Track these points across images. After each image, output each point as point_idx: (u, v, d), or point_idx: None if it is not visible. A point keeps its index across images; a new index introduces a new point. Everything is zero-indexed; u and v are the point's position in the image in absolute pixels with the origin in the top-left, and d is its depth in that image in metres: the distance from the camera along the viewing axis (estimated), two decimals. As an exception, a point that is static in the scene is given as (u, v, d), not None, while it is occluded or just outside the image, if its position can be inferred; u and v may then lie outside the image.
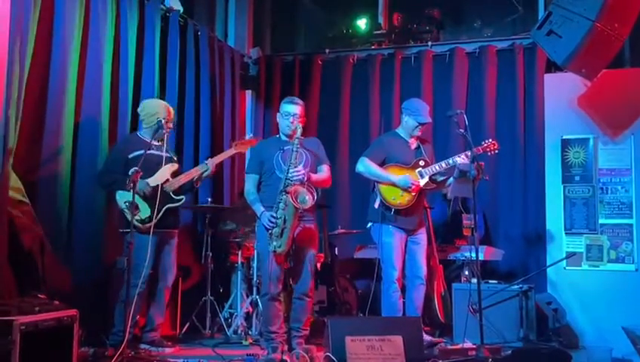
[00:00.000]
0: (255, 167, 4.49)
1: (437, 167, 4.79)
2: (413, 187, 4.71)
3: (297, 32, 8.06)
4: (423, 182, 4.76)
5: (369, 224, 4.91)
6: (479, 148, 4.78)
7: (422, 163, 4.82)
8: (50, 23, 4.55)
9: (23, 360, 3.23)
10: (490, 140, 4.89)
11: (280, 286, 4.39)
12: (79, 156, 4.77)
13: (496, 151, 4.88)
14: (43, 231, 4.35)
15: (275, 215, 4.23)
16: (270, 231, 4.25)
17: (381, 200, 4.75)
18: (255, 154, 4.59)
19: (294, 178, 4.24)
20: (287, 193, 4.20)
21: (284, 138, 4.50)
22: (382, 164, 4.82)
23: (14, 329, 3.21)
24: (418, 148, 4.93)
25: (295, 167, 4.26)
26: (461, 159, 4.69)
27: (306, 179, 4.27)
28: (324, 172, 4.53)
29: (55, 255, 4.43)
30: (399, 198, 4.74)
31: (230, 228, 5.81)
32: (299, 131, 4.32)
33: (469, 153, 4.61)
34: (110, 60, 5.06)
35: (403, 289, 4.83)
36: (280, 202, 4.24)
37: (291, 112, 4.43)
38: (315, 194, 4.29)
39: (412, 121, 4.85)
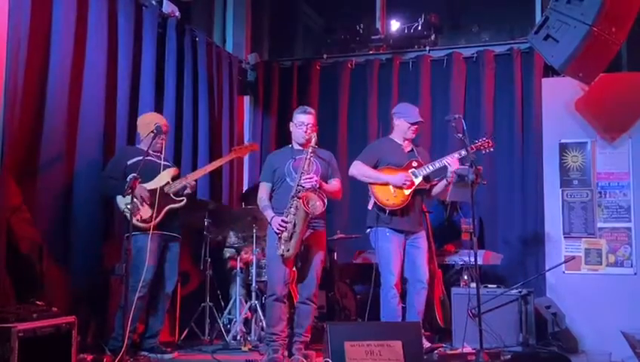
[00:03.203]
0: (268, 176, 4.57)
1: (430, 167, 4.79)
2: (408, 183, 4.71)
3: (295, 38, 8.07)
4: (417, 181, 4.76)
5: (367, 230, 4.91)
6: (473, 146, 4.76)
7: (415, 164, 4.82)
8: (47, 29, 4.55)
9: (22, 367, 3.23)
10: (484, 138, 4.89)
11: (286, 289, 4.43)
12: (77, 162, 4.77)
13: (491, 150, 4.86)
14: (41, 237, 4.35)
15: (285, 219, 4.29)
16: (279, 236, 4.31)
17: (375, 202, 4.76)
18: (268, 163, 4.65)
19: (306, 184, 4.30)
20: (299, 198, 4.27)
21: (296, 147, 4.57)
22: (374, 167, 4.84)
23: (12, 336, 3.22)
24: (411, 151, 4.94)
25: (307, 173, 4.33)
26: (453, 159, 4.70)
27: (318, 185, 4.32)
28: (335, 184, 4.59)
29: (53, 261, 4.43)
30: (392, 199, 4.74)
31: (233, 243, 5.80)
32: (313, 140, 4.41)
33: (462, 152, 4.64)
34: (107, 65, 5.06)
35: (402, 295, 4.82)
36: (291, 207, 4.31)
37: (304, 121, 4.51)
38: (326, 201, 4.32)
39: (404, 122, 4.88)
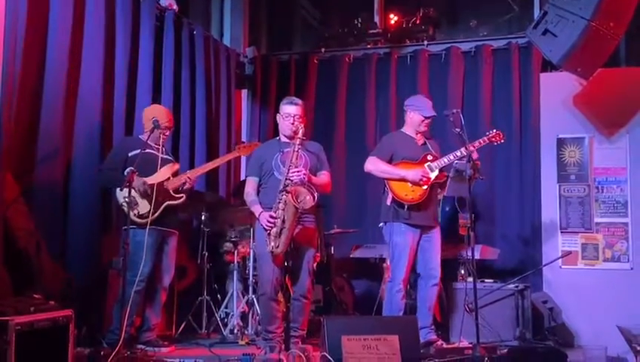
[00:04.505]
0: (255, 170, 4.47)
1: (445, 160, 4.72)
2: (425, 180, 4.66)
3: (293, 31, 8.05)
4: (433, 175, 4.72)
5: (381, 224, 4.84)
6: (485, 138, 4.76)
7: (430, 157, 4.76)
8: (44, 23, 4.53)
9: (19, 361, 3.22)
10: (495, 130, 4.85)
11: (278, 286, 4.35)
12: (74, 155, 4.76)
13: (502, 141, 4.84)
14: (38, 231, 4.34)
15: (273, 215, 4.20)
16: (268, 232, 4.22)
17: (393, 197, 4.69)
18: (255, 157, 4.55)
19: (295, 178, 4.20)
20: (288, 193, 4.16)
21: (284, 139, 4.47)
22: (389, 162, 4.77)
23: (10, 330, 3.21)
24: (425, 144, 4.88)
25: (295, 167, 4.23)
26: (469, 150, 4.61)
27: (306, 179, 4.23)
28: (324, 177, 4.50)
29: (51, 255, 4.42)
30: (411, 194, 4.66)
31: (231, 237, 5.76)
32: (300, 132, 4.29)
33: (477, 143, 4.64)
34: (105, 59, 5.04)
35: (407, 290, 4.80)
36: (279, 202, 4.19)
37: (291, 113, 4.40)
38: (316, 195, 4.22)
39: (418, 115, 4.82)
